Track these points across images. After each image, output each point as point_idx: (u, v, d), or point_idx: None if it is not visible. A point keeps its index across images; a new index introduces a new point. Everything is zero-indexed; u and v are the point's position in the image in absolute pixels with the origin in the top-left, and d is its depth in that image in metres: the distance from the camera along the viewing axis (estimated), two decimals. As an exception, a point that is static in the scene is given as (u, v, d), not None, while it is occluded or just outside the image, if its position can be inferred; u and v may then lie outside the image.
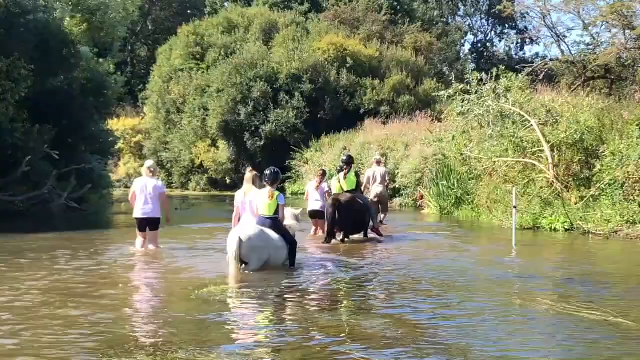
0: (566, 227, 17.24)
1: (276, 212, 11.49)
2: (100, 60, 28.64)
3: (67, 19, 25.54)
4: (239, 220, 12.15)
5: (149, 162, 14.33)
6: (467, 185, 22.87)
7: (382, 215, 19.25)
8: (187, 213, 25.66)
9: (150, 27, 75.45)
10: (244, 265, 10.95)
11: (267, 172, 11.71)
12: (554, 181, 18.58)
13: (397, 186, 28.12)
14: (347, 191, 15.80)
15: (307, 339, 6.87)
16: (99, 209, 26.82)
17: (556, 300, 8.68)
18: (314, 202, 16.59)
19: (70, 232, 17.71)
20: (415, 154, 28.06)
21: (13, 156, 22.63)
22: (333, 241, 15.15)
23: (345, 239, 15.43)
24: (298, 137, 41.43)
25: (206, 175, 49.27)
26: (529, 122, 20.65)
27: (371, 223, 16.07)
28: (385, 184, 19.58)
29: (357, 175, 16.53)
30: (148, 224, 13.62)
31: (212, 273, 10.89)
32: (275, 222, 11.46)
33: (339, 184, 16.15)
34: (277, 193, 11.55)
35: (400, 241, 15.91)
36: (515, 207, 15.30)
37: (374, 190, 19.10)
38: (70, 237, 16.53)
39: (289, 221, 12.53)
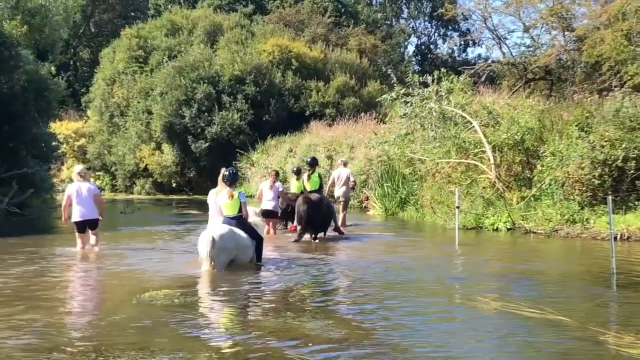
0: (508, 227, 17.50)
1: (240, 210, 11.73)
2: (42, 63, 28.15)
3: (7, 20, 25.06)
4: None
5: (79, 168, 14.72)
6: (412, 187, 23.08)
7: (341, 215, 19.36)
8: (131, 217, 25.36)
9: (93, 30, 74.37)
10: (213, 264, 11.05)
11: (226, 172, 11.98)
12: (496, 181, 18.85)
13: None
14: (311, 191, 16.06)
15: (248, 341, 6.87)
16: (41, 214, 26.33)
17: (497, 299, 8.79)
18: (267, 202, 16.76)
19: (12, 237, 17.38)
20: (361, 155, 28.23)
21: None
22: (300, 238, 15.45)
23: (299, 239, 15.56)
24: (243, 139, 41.27)
25: (151, 178, 48.71)
26: (471, 123, 20.95)
27: (332, 223, 16.51)
28: (350, 185, 19.63)
29: (320, 176, 16.78)
30: (87, 225, 13.97)
31: (155, 276, 10.85)
32: (240, 220, 11.71)
33: (302, 184, 16.41)
34: (236, 192, 11.76)
35: (349, 242, 16.00)
36: (458, 207, 15.48)
37: (338, 191, 19.27)
38: (12, 242, 16.25)
39: (253, 218, 12.69)
